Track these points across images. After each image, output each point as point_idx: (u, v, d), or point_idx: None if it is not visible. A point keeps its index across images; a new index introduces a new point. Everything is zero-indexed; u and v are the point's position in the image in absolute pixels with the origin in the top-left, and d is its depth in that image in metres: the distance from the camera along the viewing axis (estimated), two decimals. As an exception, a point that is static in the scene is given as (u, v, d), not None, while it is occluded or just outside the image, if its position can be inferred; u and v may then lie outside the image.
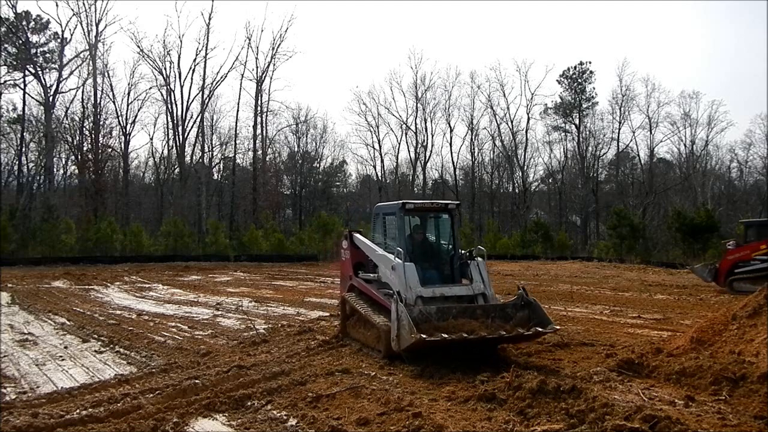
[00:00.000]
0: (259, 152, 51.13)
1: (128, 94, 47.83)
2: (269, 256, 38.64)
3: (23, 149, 45.94)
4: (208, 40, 47.91)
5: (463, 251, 9.61)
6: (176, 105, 48.46)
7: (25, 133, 45.65)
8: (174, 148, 49.57)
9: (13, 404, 6.55)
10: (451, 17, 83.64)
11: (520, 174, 54.73)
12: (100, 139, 46.04)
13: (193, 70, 48.52)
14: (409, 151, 56.25)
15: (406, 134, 55.48)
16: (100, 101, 45.89)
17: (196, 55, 48.54)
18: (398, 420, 5.82)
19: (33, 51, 45.70)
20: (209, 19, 47.72)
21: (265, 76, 49.94)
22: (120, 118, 47.59)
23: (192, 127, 49.35)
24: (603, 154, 55.03)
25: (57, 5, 63.65)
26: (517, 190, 55.13)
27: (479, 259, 9.21)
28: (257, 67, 49.84)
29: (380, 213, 10.22)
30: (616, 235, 38.49)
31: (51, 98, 44.52)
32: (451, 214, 9.70)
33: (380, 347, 8.55)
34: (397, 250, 8.89)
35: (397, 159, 57.60)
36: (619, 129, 53.02)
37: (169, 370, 8.18)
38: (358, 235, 10.72)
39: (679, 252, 35.78)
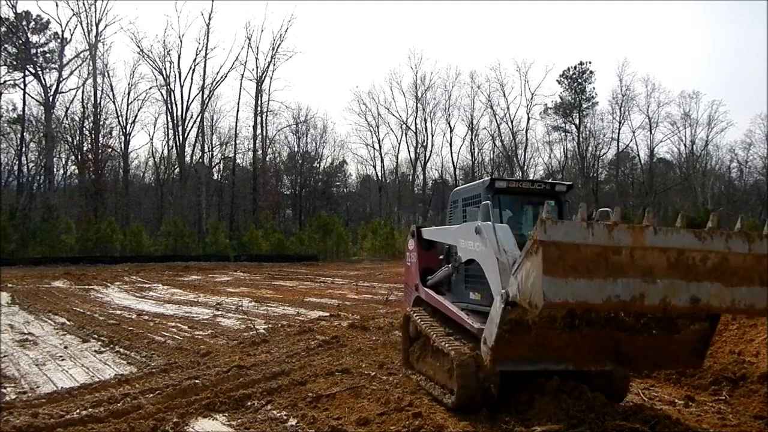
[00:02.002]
0: (259, 152, 51.22)
1: (128, 94, 48.07)
2: (269, 256, 38.67)
3: (23, 149, 46.06)
4: (208, 40, 48.16)
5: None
6: (176, 105, 48.64)
7: (25, 133, 45.76)
8: (174, 148, 49.72)
9: (13, 404, 6.55)
10: (451, 17, 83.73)
11: (520, 174, 54.73)
12: (100, 139, 46.25)
13: (193, 70, 48.71)
14: (409, 151, 56.46)
15: (406, 134, 55.68)
16: (100, 101, 46.08)
17: (196, 55, 48.78)
18: (398, 420, 5.81)
19: (33, 51, 45.79)
20: (209, 19, 47.98)
21: (265, 76, 50.11)
22: (120, 118, 47.81)
23: (192, 127, 49.55)
24: (603, 154, 55.22)
25: (57, 5, 63.84)
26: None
27: None
28: (257, 67, 50.06)
29: (459, 199, 7.68)
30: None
31: (51, 98, 44.59)
32: (560, 201, 7.09)
33: (452, 386, 6.10)
34: (482, 206, 6.34)
35: (397, 159, 57.80)
36: (619, 129, 53.20)
37: (169, 370, 8.18)
38: (426, 228, 8.43)
39: (679, 252, 35.79)
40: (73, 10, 52.36)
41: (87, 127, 46.10)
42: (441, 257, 7.98)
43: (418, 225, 8.64)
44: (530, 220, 7.17)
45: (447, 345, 6.24)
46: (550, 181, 6.91)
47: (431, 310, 7.50)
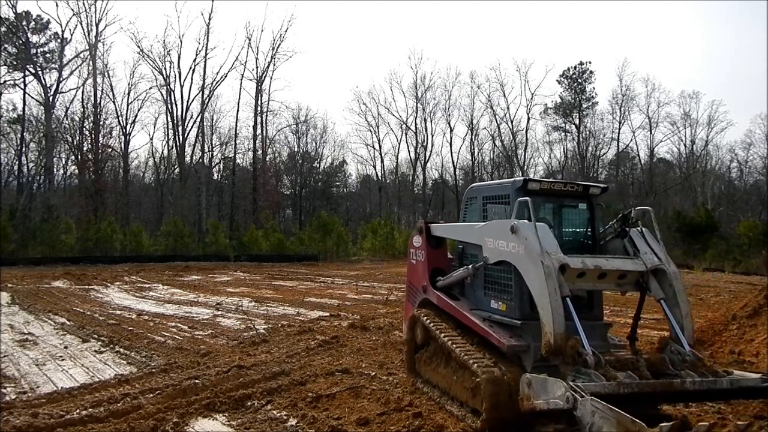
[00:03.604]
0: (259, 152, 51.21)
1: (128, 94, 48.02)
2: (269, 256, 38.66)
3: (23, 149, 46.04)
4: (208, 40, 48.12)
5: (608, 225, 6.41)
6: (176, 105, 48.63)
7: (25, 133, 45.74)
8: (174, 148, 49.72)
9: (13, 404, 6.55)
10: (451, 17, 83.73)
11: (520, 174, 54.71)
12: (100, 139, 46.22)
13: (193, 70, 48.69)
14: (409, 151, 56.42)
15: (406, 134, 55.64)
16: (100, 101, 46.05)
17: (196, 55, 48.73)
18: (398, 420, 5.82)
19: (33, 51, 45.77)
20: (209, 19, 47.92)
21: (265, 76, 50.09)
22: (120, 118, 47.77)
23: (192, 127, 49.54)
24: (603, 154, 55.21)
25: (57, 5, 63.75)
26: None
27: (643, 228, 6.09)
28: (257, 67, 50.02)
29: (478, 196, 6.91)
30: (616, 235, 38.45)
31: (51, 98, 44.60)
32: (592, 204, 6.52)
33: (476, 406, 5.58)
34: (518, 204, 5.79)
35: (397, 159, 57.79)
36: (619, 129, 53.17)
37: (169, 370, 8.18)
38: (437, 224, 7.63)
39: (679, 252, 35.77)
40: (73, 10, 52.32)
41: (87, 127, 46.13)
42: (451, 257, 7.43)
43: (427, 220, 7.87)
44: (559, 220, 6.62)
45: (472, 360, 5.65)
46: (584, 183, 6.50)
47: (440, 313, 6.89)
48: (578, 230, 6.60)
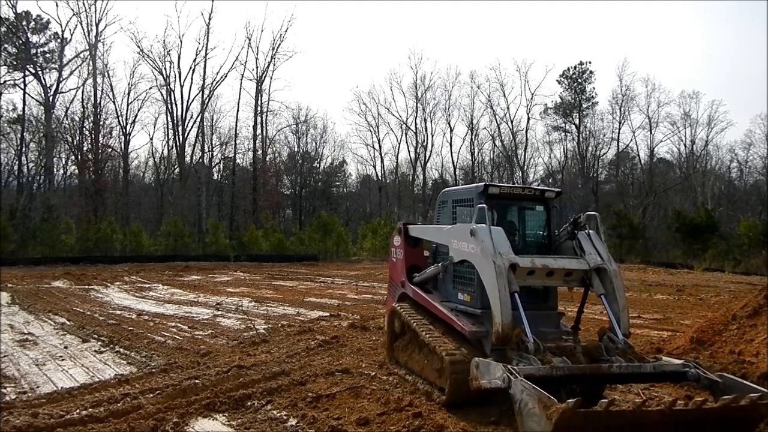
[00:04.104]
0: (259, 152, 51.19)
1: (128, 94, 47.95)
2: (269, 256, 38.65)
3: (23, 149, 46.02)
4: (208, 40, 48.06)
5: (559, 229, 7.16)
6: (176, 105, 48.59)
7: (25, 133, 45.72)
8: (174, 148, 49.67)
9: (13, 404, 6.55)
10: (451, 17, 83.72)
11: (520, 174, 54.74)
12: (100, 139, 46.17)
13: (193, 70, 48.66)
14: (409, 151, 56.39)
15: (406, 134, 55.62)
16: (100, 101, 46.02)
17: (196, 55, 48.68)
18: (398, 420, 5.82)
19: (33, 51, 45.74)
20: (209, 19, 47.85)
21: (265, 76, 50.05)
22: (120, 118, 47.71)
23: (192, 127, 49.50)
24: (603, 154, 55.18)
25: (57, 5, 63.74)
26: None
27: (591, 231, 6.75)
28: (257, 67, 49.98)
29: (448, 200, 7.77)
30: (616, 235, 38.53)
31: (51, 98, 44.58)
32: (548, 207, 7.27)
33: (442, 384, 6.43)
34: (477, 209, 6.53)
35: (397, 159, 57.76)
36: (619, 129, 53.15)
37: (169, 370, 8.18)
38: (414, 225, 8.54)
39: (679, 252, 35.82)
40: (73, 10, 52.30)
41: (87, 127, 46.08)
42: (427, 255, 8.19)
43: (405, 222, 8.70)
44: (517, 221, 7.46)
45: (439, 347, 6.42)
46: (540, 187, 7.40)
47: (416, 306, 7.72)
48: (538, 231, 7.36)
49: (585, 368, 5.67)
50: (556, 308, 7.10)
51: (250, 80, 50.04)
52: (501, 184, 7.10)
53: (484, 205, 6.43)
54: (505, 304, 5.82)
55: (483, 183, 7.08)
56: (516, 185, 8.59)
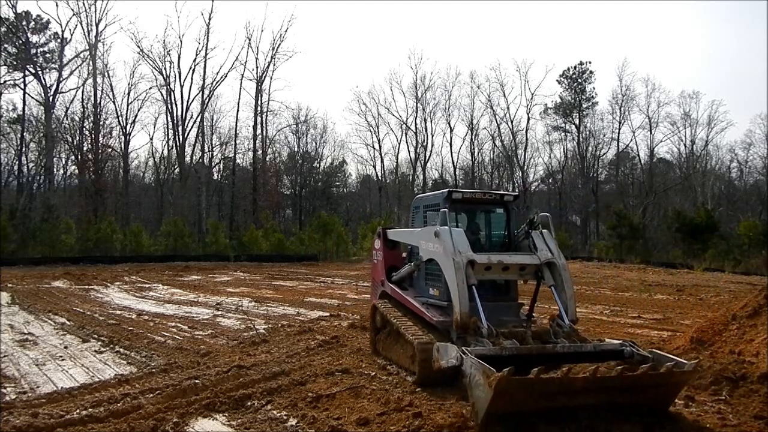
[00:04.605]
0: (259, 152, 51.17)
1: (128, 94, 47.95)
2: (269, 256, 38.63)
3: (23, 149, 46.02)
4: (208, 40, 48.06)
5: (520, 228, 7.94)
6: (176, 105, 48.59)
7: (25, 133, 45.72)
8: (174, 148, 49.66)
9: (13, 404, 6.55)
10: (451, 17, 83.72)
11: (520, 174, 54.78)
12: (100, 139, 46.16)
13: (193, 70, 48.66)
14: (409, 151, 56.38)
15: (406, 134, 55.60)
16: (100, 101, 46.02)
17: (196, 55, 48.69)
18: (398, 420, 5.81)
19: (33, 51, 45.75)
20: (209, 19, 47.85)
21: (265, 76, 50.04)
22: (120, 118, 47.70)
23: (192, 127, 49.48)
24: (603, 154, 55.13)
25: (57, 5, 63.77)
26: (517, 190, 55.09)
27: (544, 230, 7.53)
28: (257, 67, 49.96)
29: (420, 206, 8.67)
30: (616, 235, 38.52)
31: (51, 98, 44.58)
32: (508, 209, 8.17)
33: (414, 369, 7.16)
34: (441, 213, 7.32)
35: (397, 159, 57.74)
36: (619, 129, 53.10)
37: (169, 370, 8.18)
38: (392, 229, 9.44)
39: (679, 252, 35.79)
40: (73, 10, 52.29)
41: (87, 127, 46.07)
42: (404, 256, 9.01)
43: (384, 227, 9.63)
44: (481, 223, 8.38)
45: (410, 335, 7.25)
46: (498, 192, 8.45)
47: (395, 302, 8.50)
48: (500, 231, 8.26)
49: (532, 348, 6.36)
50: (516, 300, 7.96)
51: (250, 80, 50.09)
52: (463, 190, 8.19)
53: (445, 209, 7.32)
54: (463, 295, 6.62)
55: (447, 189, 8.01)
56: (477, 191, 9.86)
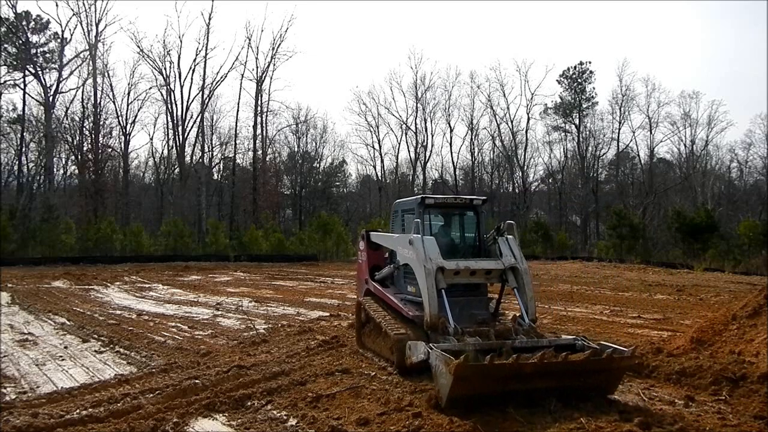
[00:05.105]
0: (259, 152, 51.15)
1: (128, 94, 47.89)
2: (269, 256, 38.62)
3: (23, 149, 45.97)
4: (208, 40, 48.00)
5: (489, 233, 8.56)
6: (176, 105, 48.55)
7: (25, 133, 45.67)
8: (174, 148, 49.64)
9: (13, 404, 6.55)
10: (451, 17, 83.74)
11: (520, 174, 54.74)
12: (100, 139, 46.12)
13: (193, 70, 48.63)
14: (409, 151, 56.30)
15: (406, 134, 55.54)
16: (100, 101, 45.98)
17: (196, 55, 48.64)
18: (398, 420, 5.81)
19: (33, 51, 45.69)
20: (209, 19, 47.80)
21: (265, 76, 50.00)
22: (120, 118, 47.65)
23: (192, 127, 49.44)
24: (603, 154, 55.07)
25: (57, 5, 63.70)
26: (517, 190, 55.11)
27: (509, 236, 8.16)
28: (257, 67, 49.91)
29: (399, 210, 9.33)
30: (616, 235, 38.50)
31: (51, 98, 44.54)
32: (477, 212, 8.79)
33: (393, 359, 7.83)
34: (414, 223, 7.95)
35: (397, 159, 57.67)
36: (619, 129, 53.06)
37: (169, 370, 8.18)
38: (374, 233, 10.17)
39: (679, 252, 35.78)
40: (73, 10, 52.14)
41: (87, 127, 46.03)
42: (386, 256, 9.62)
43: (368, 229, 10.32)
44: (454, 225, 9.07)
45: (389, 329, 7.92)
46: (468, 196, 9.13)
47: (378, 299, 9.12)
48: (472, 233, 8.88)
49: (492, 344, 6.89)
50: (486, 295, 8.62)
51: (250, 80, 50.05)
52: (435, 196, 8.93)
53: (419, 220, 7.99)
54: (432, 299, 7.28)
55: (421, 195, 8.64)
56: (448, 196, 10.90)
